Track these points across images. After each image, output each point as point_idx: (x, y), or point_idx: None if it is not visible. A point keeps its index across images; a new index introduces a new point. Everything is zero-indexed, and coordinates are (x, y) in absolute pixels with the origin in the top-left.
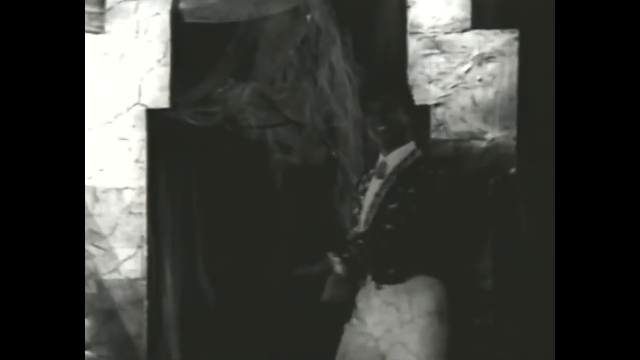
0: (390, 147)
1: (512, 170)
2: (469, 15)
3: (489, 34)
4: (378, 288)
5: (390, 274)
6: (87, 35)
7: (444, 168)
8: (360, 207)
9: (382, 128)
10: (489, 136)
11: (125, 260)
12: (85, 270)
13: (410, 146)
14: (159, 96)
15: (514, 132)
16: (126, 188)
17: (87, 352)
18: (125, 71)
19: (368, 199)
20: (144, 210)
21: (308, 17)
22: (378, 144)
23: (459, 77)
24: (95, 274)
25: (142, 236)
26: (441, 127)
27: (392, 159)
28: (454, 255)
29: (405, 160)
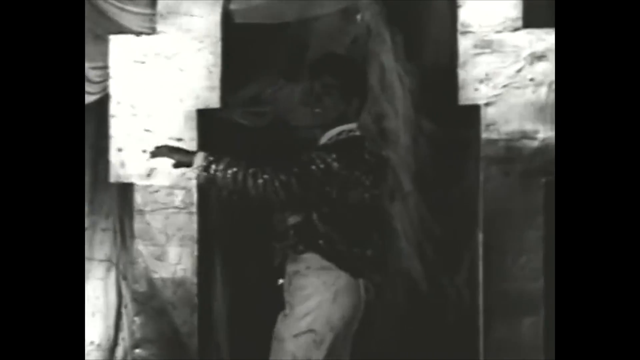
0: None
1: None
2: (520, 14)
3: (540, 32)
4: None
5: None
6: (139, 36)
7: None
8: None
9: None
10: (541, 136)
11: (175, 259)
12: (137, 269)
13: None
14: (209, 96)
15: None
16: (177, 188)
17: (137, 350)
18: (176, 71)
19: None
20: (194, 209)
21: (358, 17)
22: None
23: (510, 76)
24: (146, 272)
25: (192, 235)
26: (492, 127)
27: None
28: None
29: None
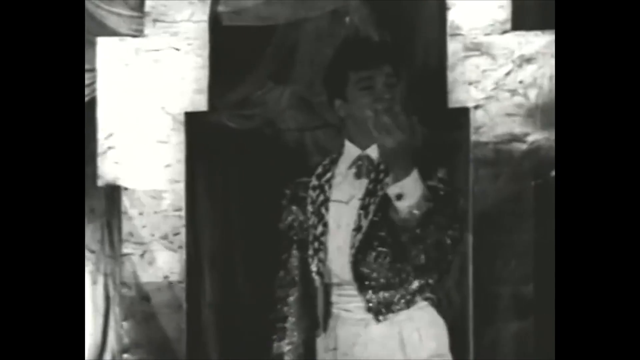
0: None
1: (553, 173)
2: (509, 17)
3: (529, 35)
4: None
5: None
6: (126, 38)
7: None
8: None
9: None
10: (530, 139)
11: (164, 263)
12: (125, 273)
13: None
14: (197, 99)
15: (554, 135)
16: (165, 191)
17: (125, 355)
18: (164, 74)
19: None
20: (183, 213)
21: (347, 19)
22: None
23: (499, 79)
24: (134, 276)
25: (181, 239)
26: (481, 130)
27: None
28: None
29: None
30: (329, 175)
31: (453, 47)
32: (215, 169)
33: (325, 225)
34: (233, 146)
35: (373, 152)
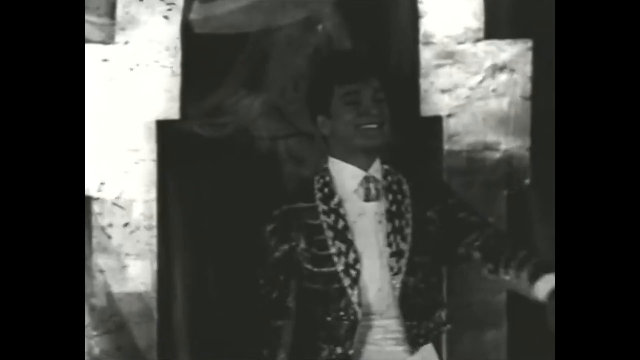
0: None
1: (527, 181)
2: (482, 25)
3: (502, 44)
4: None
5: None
6: (96, 46)
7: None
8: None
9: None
10: (503, 147)
11: (135, 273)
12: (96, 283)
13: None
14: (169, 107)
15: (527, 143)
16: (136, 201)
17: None
18: (135, 82)
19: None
20: (154, 222)
21: (319, 27)
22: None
23: (472, 87)
24: (104, 286)
25: (152, 249)
26: (454, 138)
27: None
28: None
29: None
30: (336, 199)
31: (426, 55)
32: (187, 177)
33: (356, 252)
34: (205, 155)
35: (376, 172)
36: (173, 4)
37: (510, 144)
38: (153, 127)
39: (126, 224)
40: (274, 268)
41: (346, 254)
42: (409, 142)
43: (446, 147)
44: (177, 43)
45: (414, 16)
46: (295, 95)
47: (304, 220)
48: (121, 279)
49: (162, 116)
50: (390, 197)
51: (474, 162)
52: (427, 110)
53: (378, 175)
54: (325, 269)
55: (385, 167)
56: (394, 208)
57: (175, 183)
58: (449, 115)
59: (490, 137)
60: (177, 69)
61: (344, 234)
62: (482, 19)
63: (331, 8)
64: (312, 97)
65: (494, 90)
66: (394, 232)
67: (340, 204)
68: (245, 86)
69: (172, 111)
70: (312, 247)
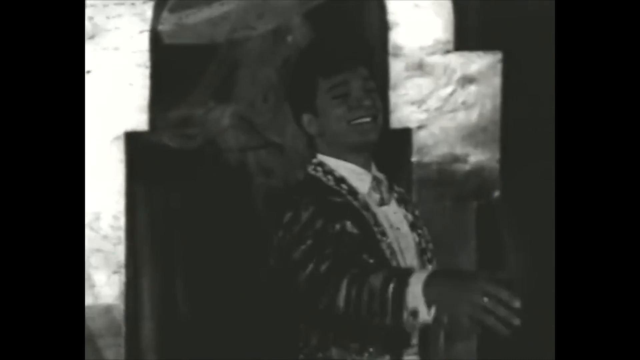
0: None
1: (496, 193)
2: (451, 37)
3: (472, 55)
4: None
5: None
6: None
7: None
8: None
9: None
10: (472, 159)
11: (102, 285)
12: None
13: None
14: (137, 118)
15: (497, 155)
16: (103, 212)
17: None
18: (103, 93)
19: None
20: (122, 234)
21: (289, 38)
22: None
23: (442, 99)
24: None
25: (119, 261)
26: (423, 151)
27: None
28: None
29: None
30: (360, 194)
31: (395, 67)
32: (156, 189)
33: (400, 248)
34: (174, 166)
35: (377, 172)
36: (142, 14)
37: (480, 156)
38: (122, 138)
39: (94, 236)
40: (325, 244)
41: (395, 255)
42: (378, 154)
43: (415, 159)
44: (146, 54)
45: (384, 28)
46: (264, 106)
47: (345, 211)
48: (88, 291)
49: (130, 127)
50: (409, 209)
51: (443, 174)
52: (396, 122)
53: (382, 177)
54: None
55: (384, 176)
56: (416, 221)
57: (144, 195)
58: (419, 127)
59: (460, 149)
60: (146, 79)
61: (385, 233)
62: (452, 31)
63: (300, 19)
64: (293, 93)
65: (463, 102)
66: (427, 249)
67: (366, 201)
68: (215, 97)
69: (141, 122)
70: (365, 236)
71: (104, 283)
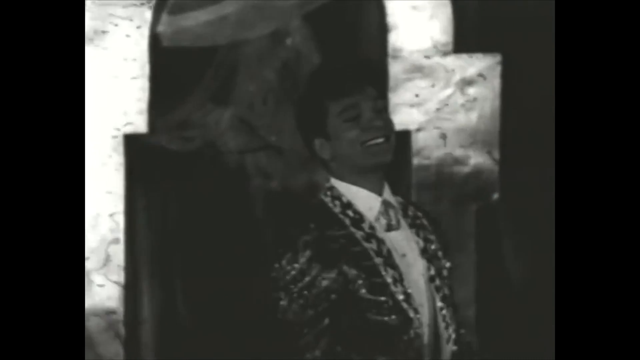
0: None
1: (495, 195)
2: (450, 39)
3: (471, 58)
4: None
5: None
6: None
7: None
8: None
9: None
10: (472, 162)
11: (102, 289)
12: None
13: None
14: (137, 121)
15: (496, 157)
16: (103, 215)
17: None
18: (102, 95)
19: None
20: (121, 237)
21: (288, 40)
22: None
23: (441, 101)
24: None
25: (119, 264)
26: (423, 153)
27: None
28: None
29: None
30: (367, 222)
31: (394, 69)
32: (155, 191)
33: (409, 279)
34: (173, 168)
35: (389, 196)
36: (141, 16)
37: (479, 158)
38: (121, 140)
39: (94, 239)
40: (320, 296)
41: (401, 281)
42: None
43: (415, 161)
44: (145, 56)
45: (383, 30)
46: (263, 108)
47: (345, 248)
48: (87, 294)
49: (130, 130)
50: (421, 234)
51: (442, 177)
52: (395, 124)
53: (393, 200)
54: (382, 298)
55: (398, 199)
56: (429, 246)
57: (143, 197)
58: (418, 130)
59: (459, 152)
60: (146, 82)
61: (391, 260)
62: (451, 33)
63: (300, 22)
64: (303, 119)
65: (462, 105)
66: (438, 276)
67: (373, 228)
68: (214, 99)
69: (140, 125)
70: (364, 274)
71: (103, 285)
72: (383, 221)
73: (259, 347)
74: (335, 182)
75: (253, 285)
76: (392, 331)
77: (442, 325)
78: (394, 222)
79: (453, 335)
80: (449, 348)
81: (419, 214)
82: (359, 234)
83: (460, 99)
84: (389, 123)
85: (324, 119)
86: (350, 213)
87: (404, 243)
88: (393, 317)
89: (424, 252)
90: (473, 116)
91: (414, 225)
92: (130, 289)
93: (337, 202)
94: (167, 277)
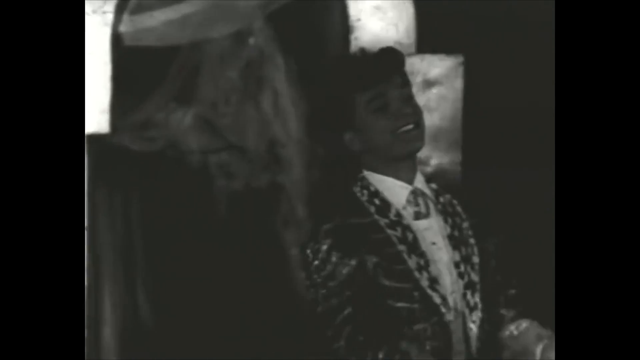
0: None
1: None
2: (413, 40)
3: (433, 59)
4: None
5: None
6: None
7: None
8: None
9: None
10: (434, 162)
11: None
12: None
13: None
14: (98, 120)
15: (459, 158)
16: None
17: None
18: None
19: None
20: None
21: (251, 40)
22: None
23: None
24: None
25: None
26: None
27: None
28: None
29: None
30: (394, 210)
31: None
32: (117, 191)
33: (435, 264)
34: (135, 168)
35: (420, 184)
36: (103, 16)
37: (442, 158)
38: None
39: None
40: (343, 285)
41: (426, 268)
42: (341, 158)
43: None
44: (107, 56)
45: (345, 30)
46: (226, 108)
47: (367, 235)
48: None
49: (92, 130)
50: (450, 220)
51: None
52: None
53: (425, 188)
54: (406, 285)
55: (433, 186)
56: (456, 233)
57: (105, 197)
58: None
59: (422, 152)
60: (107, 82)
61: (416, 246)
62: (414, 34)
63: (263, 22)
64: (331, 114)
65: (425, 105)
66: (464, 261)
67: (399, 215)
68: (176, 99)
69: (102, 125)
70: (385, 261)
71: None
72: (411, 209)
73: (222, 348)
74: (366, 173)
75: (216, 285)
76: (416, 317)
77: (466, 310)
78: (423, 210)
79: (478, 321)
80: (474, 333)
81: (455, 201)
82: (382, 222)
83: (422, 100)
84: (417, 109)
85: (352, 112)
86: (376, 201)
87: (434, 230)
88: (416, 304)
89: (451, 238)
90: (435, 117)
91: (444, 212)
92: (92, 289)
93: (365, 192)
94: (129, 278)
